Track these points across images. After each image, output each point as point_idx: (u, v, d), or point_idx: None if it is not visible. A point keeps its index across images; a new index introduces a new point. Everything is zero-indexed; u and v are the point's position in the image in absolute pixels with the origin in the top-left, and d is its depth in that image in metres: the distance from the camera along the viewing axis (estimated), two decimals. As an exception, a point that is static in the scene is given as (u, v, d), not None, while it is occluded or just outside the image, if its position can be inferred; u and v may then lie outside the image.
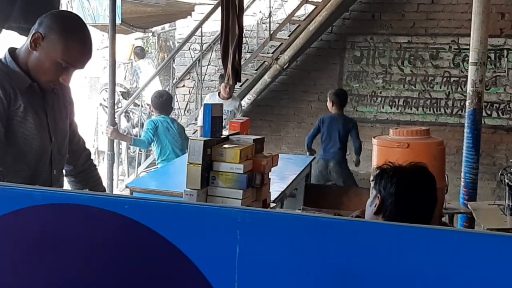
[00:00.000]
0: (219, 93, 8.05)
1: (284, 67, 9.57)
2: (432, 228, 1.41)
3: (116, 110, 6.94)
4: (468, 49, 6.47)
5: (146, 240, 1.51)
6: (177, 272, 1.49)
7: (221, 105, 3.36)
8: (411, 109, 9.77)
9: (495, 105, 9.41)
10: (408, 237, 1.38)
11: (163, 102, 6.77)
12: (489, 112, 9.32)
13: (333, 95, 7.59)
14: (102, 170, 5.90)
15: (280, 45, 9.66)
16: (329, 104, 7.61)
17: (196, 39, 9.84)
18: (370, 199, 2.69)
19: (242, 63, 7.56)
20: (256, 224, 1.45)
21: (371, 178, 2.79)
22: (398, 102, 9.86)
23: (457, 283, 1.34)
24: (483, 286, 1.33)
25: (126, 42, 13.01)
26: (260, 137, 3.45)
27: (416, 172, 2.63)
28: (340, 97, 7.57)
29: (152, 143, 6.56)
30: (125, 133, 10.06)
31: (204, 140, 2.95)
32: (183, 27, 11.00)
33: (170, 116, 6.90)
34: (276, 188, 4.18)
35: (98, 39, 10.86)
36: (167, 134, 6.59)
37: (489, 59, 8.89)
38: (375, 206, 2.62)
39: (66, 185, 3.09)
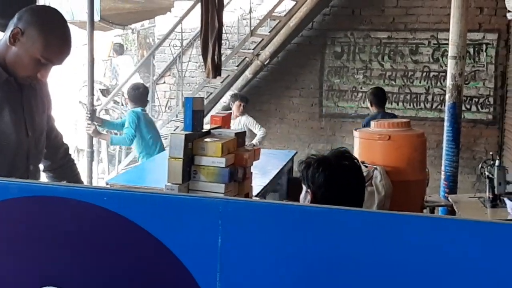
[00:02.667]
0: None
1: (265, 63, 9.56)
2: (414, 215, 1.40)
3: (95, 108, 6.87)
4: (447, 44, 6.51)
5: (126, 232, 1.48)
6: (158, 263, 1.47)
7: (202, 98, 3.33)
8: (391, 104, 9.79)
9: (474, 99, 9.47)
10: (389, 224, 1.37)
11: (139, 94, 6.70)
12: (468, 107, 9.37)
13: (370, 95, 7.36)
14: (82, 168, 5.84)
15: (261, 41, 9.65)
16: (369, 105, 7.40)
17: (176, 35, 9.79)
18: (302, 194, 2.67)
19: (223, 59, 7.54)
20: (238, 214, 1.43)
21: (299, 174, 2.77)
22: (379, 97, 9.88)
23: (439, 270, 1.33)
24: (465, 272, 1.32)
25: (105, 39, 12.93)
26: (242, 131, 3.44)
27: (339, 157, 2.61)
28: (378, 95, 7.28)
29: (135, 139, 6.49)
30: (104, 131, 9.99)
31: (185, 134, 2.93)
32: (163, 23, 10.94)
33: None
34: (258, 182, 4.17)
35: (77, 36, 10.77)
36: (149, 126, 6.54)
37: (468, 54, 8.94)
38: (308, 202, 2.60)
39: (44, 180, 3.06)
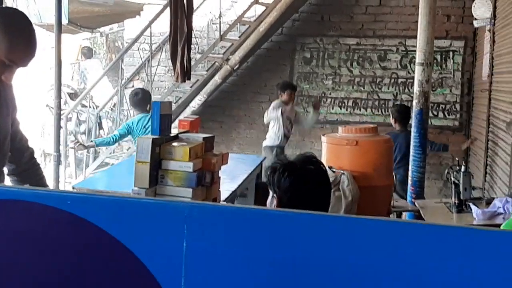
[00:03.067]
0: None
1: (234, 68, 9.56)
2: (380, 219, 1.41)
3: (62, 111, 6.80)
4: (415, 51, 6.57)
5: (90, 236, 1.46)
6: (122, 268, 1.45)
7: (170, 103, 3.32)
8: (360, 110, 9.87)
9: (441, 105, 9.59)
10: (356, 228, 1.37)
11: (139, 100, 6.80)
12: (435, 113, 9.49)
13: (395, 112, 7.31)
14: (49, 172, 5.78)
15: (231, 46, 9.65)
16: (392, 120, 7.33)
17: (145, 39, 9.74)
18: (268, 199, 2.67)
19: (192, 63, 7.52)
20: (204, 218, 1.42)
21: (265, 179, 2.78)
22: (347, 103, 9.96)
23: (406, 274, 1.34)
24: (432, 277, 1.33)
25: (74, 42, 12.81)
26: (210, 135, 3.43)
27: (305, 161, 2.62)
28: (402, 114, 7.23)
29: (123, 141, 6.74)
30: (72, 134, 9.90)
31: (153, 138, 2.91)
32: (132, 27, 10.88)
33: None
34: (226, 187, 4.16)
35: (45, 39, 10.66)
36: (143, 132, 6.54)
37: (435, 61, 9.06)
38: (274, 206, 2.60)
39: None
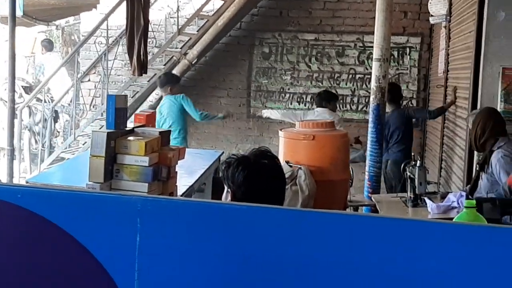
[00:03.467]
0: None
1: (192, 63, 9.50)
2: (335, 213, 1.42)
3: (16, 105, 6.68)
4: (372, 46, 6.63)
5: (41, 231, 1.44)
6: (74, 263, 1.43)
7: (125, 96, 3.29)
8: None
9: (398, 101, 9.68)
10: (309, 221, 1.37)
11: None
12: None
13: (386, 93, 7.17)
14: (2, 167, 5.67)
15: (189, 40, 9.59)
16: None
17: (102, 32, 9.61)
18: (224, 194, 2.66)
19: (149, 57, 7.45)
20: (158, 212, 1.41)
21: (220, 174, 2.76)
22: (306, 98, 10.00)
23: (361, 266, 1.35)
24: (388, 268, 1.34)
25: (28, 35, 12.57)
26: (166, 130, 3.41)
27: (259, 156, 2.61)
28: (392, 93, 7.21)
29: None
30: (27, 129, 9.76)
31: (108, 132, 2.88)
32: (88, 20, 10.73)
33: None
34: (184, 182, 4.14)
35: (-1, 31, 10.47)
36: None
37: (392, 57, 9.15)
38: (229, 201, 2.59)
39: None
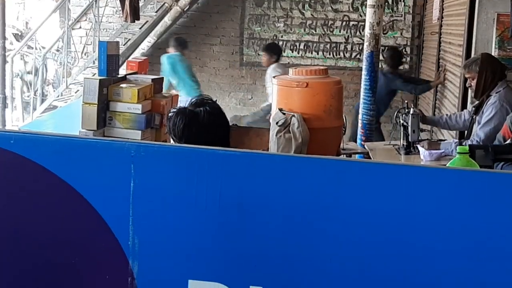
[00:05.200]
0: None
1: (184, 9, 9.39)
2: (327, 158, 1.42)
3: (7, 53, 6.62)
4: (367, -8, 6.56)
5: (35, 176, 1.44)
6: (68, 208, 1.44)
7: (117, 43, 3.26)
8: (311, 53, 9.85)
9: (392, 49, 9.63)
10: (302, 167, 1.38)
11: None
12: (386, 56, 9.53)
13: (388, 58, 7.46)
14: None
15: (181, -14, 9.46)
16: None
17: (93, -22, 9.48)
18: None
19: (141, 4, 7.35)
20: (151, 157, 1.41)
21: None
22: (299, 46, 9.92)
23: (354, 211, 1.36)
24: (380, 214, 1.35)
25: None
26: (159, 77, 3.39)
27: (197, 104, 2.58)
28: (394, 59, 7.40)
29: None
30: (18, 76, 9.69)
31: (100, 79, 2.86)
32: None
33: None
34: (176, 130, 4.13)
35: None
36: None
37: (386, 3, 9.06)
38: None
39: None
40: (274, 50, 7.67)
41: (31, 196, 1.45)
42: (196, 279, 1.42)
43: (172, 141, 2.59)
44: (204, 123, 2.49)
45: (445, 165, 3.54)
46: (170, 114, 2.58)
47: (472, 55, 5.18)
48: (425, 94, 8.60)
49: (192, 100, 2.61)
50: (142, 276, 1.43)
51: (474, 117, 4.58)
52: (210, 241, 1.40)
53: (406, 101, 5.46)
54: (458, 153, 2.81)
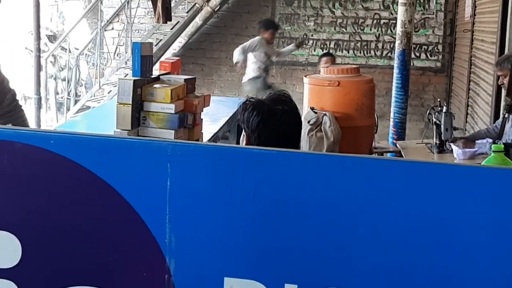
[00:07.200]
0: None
1: (215, 10, 9.44)
2: (361, 157, 1.43)
3: (42, 54, 6.72)
4: (398, -10, 6.52)
5: (74, 175, 1.47)
6: (107, 207, 1.46)
7: (151, 44, 3.29)
8: (342, 52, 9.83)
9: (423, 47, 9.57)
10: (335, 166, 1.39)
11: None
12: (417, 54, 9.46)
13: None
14: (29, 115, 5.74)
15: (211, -14, 9.51)
16: None
17: (125, -20, 9.57)
18: (241, 138, 2.62)
19: (172, 4, 7.40)
20: (187, 157, 1.42)
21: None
22: (329, 44, 9.91)
23: (389, 209, 1.36)
24: (415, 212, 1.36)
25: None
26: (192, 77, 3.42)
27: (275, 100, 2.55)
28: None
29: None
30: (52, 78, 9.82)
31: (134, 80, 2.90)
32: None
33: None
34: (208, 129, 4.17)
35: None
36: None
37: (418, 1, 8.99)
38: (244, 145, 2.54)
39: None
40: (268, 25, 8.18)
41: (71, 195, 1.48)
42: (231, 276, 1.43)
43: (243, 130, 2.57)
44: (280, 122, 2.48)
45: (480, 163, 3.52)
46: (244, 104, 2.56)
47: (508, 52, 5.12)
48: (458, 92, 8.53)
49: (271, 95, 2.60)
50: (178, 273, 1.45)
51: (507, 115, 4.52)
52: (245, 239, 1.41)
53: (438, 99, 5.43)
54: (493, 151, 2.79)
